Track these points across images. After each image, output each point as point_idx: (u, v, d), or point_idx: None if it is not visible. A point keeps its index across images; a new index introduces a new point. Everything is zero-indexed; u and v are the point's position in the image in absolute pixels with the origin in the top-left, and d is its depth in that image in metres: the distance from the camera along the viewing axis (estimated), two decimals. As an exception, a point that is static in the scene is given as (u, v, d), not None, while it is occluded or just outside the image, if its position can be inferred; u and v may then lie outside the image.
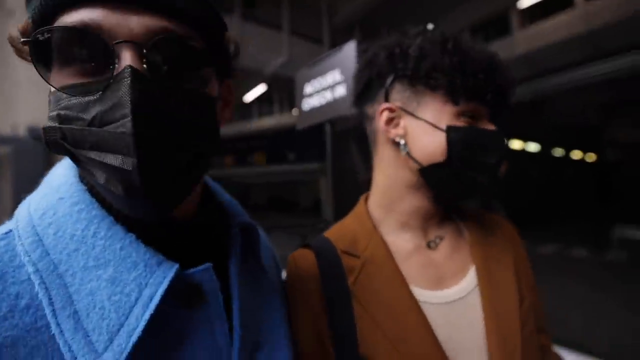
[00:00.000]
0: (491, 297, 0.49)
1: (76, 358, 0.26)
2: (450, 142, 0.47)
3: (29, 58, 0.30)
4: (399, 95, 0.51)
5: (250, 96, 9.32)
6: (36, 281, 0.28)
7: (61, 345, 0.26)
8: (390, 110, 0.51)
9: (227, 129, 11.51)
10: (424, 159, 0.49)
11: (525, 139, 13.62)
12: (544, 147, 14.65)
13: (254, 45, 4.76)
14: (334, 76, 1.68)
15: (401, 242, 0.54)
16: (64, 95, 0.28)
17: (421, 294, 0.50)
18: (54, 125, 0.28)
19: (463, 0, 6.20)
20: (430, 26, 0.52)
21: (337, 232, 0.57)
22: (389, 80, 0.51)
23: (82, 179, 0.34)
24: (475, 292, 0.50)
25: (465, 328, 0.49)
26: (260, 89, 8.35)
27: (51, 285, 0.28)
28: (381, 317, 0.48)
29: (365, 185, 0.61)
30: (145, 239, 0.31)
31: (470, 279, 0.51)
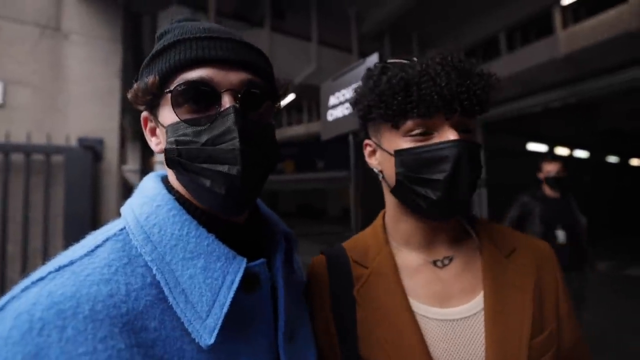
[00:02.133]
0: (497, 322, 0.49)
1: (191, 322, 0.36)
2: (395, 164, 0.51)
3: (141, 105, 0.43)
4: (371, 130, 0.57)
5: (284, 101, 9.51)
6: (153, 267, 0.37)
7: (178, 312, 0.36)
8: (369, 145, 0.58)
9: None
10: (390, 183, 0.54)
11: (573, 145, 12.69)
12: (595, 153, 13.57)
13: (283, 56, 4.87)
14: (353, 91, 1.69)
15: (409, 258, 0.57)
16: (182, 126, 0.39)
17: (422, 308, 0.52)
18: (172, 147, 0.40)
19: (495, 3, 5.96)
20: (376, 64, 0.56)
21: (353, 243, 0.62)
22: (361, 120, 0.58)
23: (170, 190, 0.44)
24: (480, 315, 0.50)
25: (464, 348, 0.49)
26: (289, 98, 8.53)
27: (163, 270, 0.37)
28: (379, 324, 0.51)
29: None
30: (219, 238, 0.41)
31: (478, 301, 0.52)
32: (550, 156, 2.40)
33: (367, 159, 0.59)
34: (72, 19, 2.90)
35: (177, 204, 0.42)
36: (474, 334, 0.50)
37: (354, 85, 1.75)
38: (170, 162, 0.41)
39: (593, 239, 2.49)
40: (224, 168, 0.38)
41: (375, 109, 0.52)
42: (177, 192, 0.44)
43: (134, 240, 0.38)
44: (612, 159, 14.61)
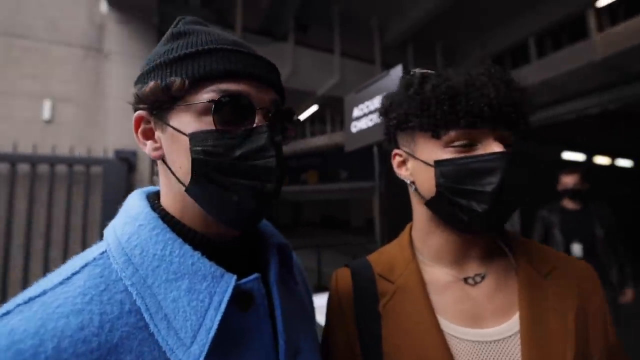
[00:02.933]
0: (535, 347, 0.45)
1: (173, 350, 0.33)
2: (437, 175, 0.49)
3: (145, 105, 0.40)
4: (403, 140, 0.56)
5: (302, 116, 9.69)
6: (133, 292, 0.34)
7: (160, 341, 0.33)
8: (399, 155, 0.56)
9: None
10: (426, 194, 0.52)
11: (614, 154, 11.88)
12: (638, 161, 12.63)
13: (306, 68, 4.97)
14: (381, 100, 1.69)
15: (438, 274, 0.54)
16: (215, 136, 0.38)
17: (451, 327, 0.49)
18: (199, 157, 0.38)
19: (522, 9, 5.80)
20: (413, 71, 0.55)
21: (379, 257, 0.60)
22: (392, 130, 0.57)
23: (154, 208, 0.42)
24: (515, 338, 0.47)
25: None
26: (312, 109, 8.64)
27: (144, 295, 0.35)
28: (405, 342, 0.49)
29: None
30: (208, 255, 0.38)
31: (513, 323, 0.48)
32: (568, 167, 2.30)
33: (397, 169, 0.57)
34: (112, 40, 3.13)
35: (160, 222, 0.39)
36: (508, 358, 0.46)
37: (378, 97, 1.76)
38: (196, 173, 0.38)
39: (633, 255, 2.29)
40: (257, 184, 0.38)
41: (415, 117, 0.50)
42: (163, 209, 0.42)
43: (114, 264, 0.36)
44: (660, 168, 13.52)
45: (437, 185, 0.48)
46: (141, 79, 0.41)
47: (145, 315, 0.34)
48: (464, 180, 0.47)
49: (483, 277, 0.53)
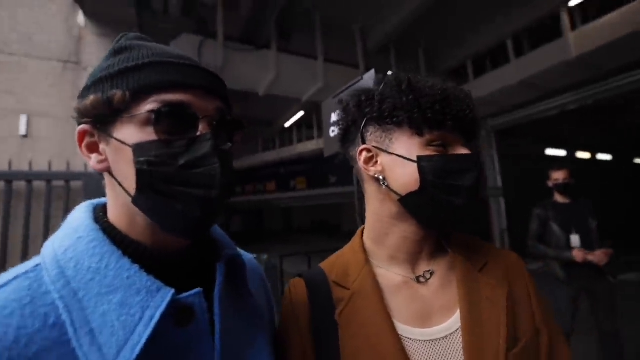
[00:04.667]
0: (474, 338, 0.49)
1: None
2: (421, 170, 0.50)
3: (87, 119, 0.40)
4: (373, 136, 0.56)
5: (288, 123, 9.68)
6: (60, 305, 0.34)
7: (80, 356, 0.33)
8: (367, 150, 0.56)
9: (268, 156, 12.00)
10: (401, 190, 0.52)
11: (595, 148, 12.22)
12: (619, 156, 13.02)
13: (290, 75, 4.99)
14: (348, 94, 1.71)
15: (391, 275, 0.56)
16: (157, 146, 0.38)
17: (405, 329, 0.51)
18: (143, 168, 0.38)
19: (499, 10, 5.97)
20: (389, 73, 0.58)
21: (332, 263, 0.60)
22: (362, 124, 0.57)
23: (97, 220, 0.42)
24: (459, 333, 0.51)
25: None
26: (298, 115, 8.66)
27: (72, 308, 0.34)
28: (363, 348, 0.50)
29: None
30: (148, 269, 0.38)
31: (455, 319, 0.52)
32: (557, 164, 2.47)
33: (363, 165, 0.56)
34: (91, 53, 3.08)
35: (101, 234, 0.39)
36: (453, 352, 0.50)
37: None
38: (141, 183, 0.38)
39: (618, 245, 2.37)
40: (200, 192, 0.38)
41: (404, 112, 0.51)
42: (107, 222, 0.42)
43: (46, 277, 0.36)
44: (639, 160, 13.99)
45: (422, 179, 0.50)
46: (84, 93, 0.41)
47: (70, 330, 0.33)
48: (446, 176, 0.50)
49: (432, 274, 0.56)
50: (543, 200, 2.46)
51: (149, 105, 0.38)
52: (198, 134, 0.40)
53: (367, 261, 0.57)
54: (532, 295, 0.55)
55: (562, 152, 11.44)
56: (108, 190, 0.43)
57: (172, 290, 0.37)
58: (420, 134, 0.51)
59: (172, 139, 0.39)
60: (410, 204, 0.53)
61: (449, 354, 0.50)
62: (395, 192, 0.53)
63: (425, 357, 0.49)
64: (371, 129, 0.56)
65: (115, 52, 0.43)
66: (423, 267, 0.56)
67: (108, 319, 0.34)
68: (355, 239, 0.62)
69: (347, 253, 0.61)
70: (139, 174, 0.38)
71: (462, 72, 7.40)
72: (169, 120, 0.39)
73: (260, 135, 12.05)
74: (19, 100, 2.84)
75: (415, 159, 0.51)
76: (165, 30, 3.88)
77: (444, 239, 0.60)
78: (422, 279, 0.55)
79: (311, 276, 0.58)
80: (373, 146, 0.56)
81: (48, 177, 2.46)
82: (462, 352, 0.49)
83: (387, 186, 0.54)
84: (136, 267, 0.37)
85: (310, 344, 0.53)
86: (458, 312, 0.52)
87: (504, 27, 6.29)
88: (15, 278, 0.36)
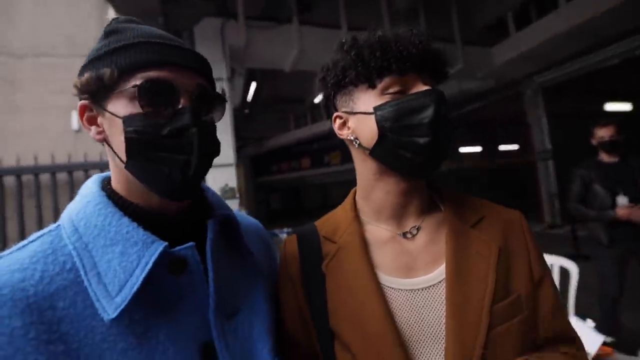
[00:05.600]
0: (457, 290, 0.50)
1: (99, 299, 0.41)
2: (377, 119, 0.52)
3: (85, 94, 0.46)
4: (341, 102, 0.59)
5: (317, 99, 9.56)
6: (74, 254, 0.43)
7: (90, 292, 0.41)
8: (339, 117, 0.59)
9: (301, 132, 12.04)
10: (369, 144, 0.55)
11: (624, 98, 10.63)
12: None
13: (314, 48, 4.89)
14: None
15: (379, 230, 0.59)
16: (142, 117, 0.44)
17: (388, 279, 0.54)
18: (132, 136, 0.44)
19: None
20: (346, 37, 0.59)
21: (325, 220, 0.65)
22: (331, 94, 0.60)
23: (103, 188, 0.50)
24: (442, 284, 0.52)
25: (427, 315, 0.51)
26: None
27: (83, 256, 0.43)
28: (347, 297, 0.53)
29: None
30: (146, 227, 0.45)
31: (440, 271, 0.53)
32: (602, 119, 2.20)
33: (338, 131, 0.60)
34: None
35: (105, 199, 0.46)
36: (435, 302, 0.51)
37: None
38: (130, 150, 0.44)
39: None
40: (181, 158, 0.44)
41: (351, 69, 0.53)
42: (111, 188, 0.49)
43: (64, 234, 0.44)
44: None
45: (379, 128, 0.52)
46: (80, 73, 0.47)
47: (81, 272, 0.41)
48: (402, 118, 0.50)
49: (418, 229, 0.57)
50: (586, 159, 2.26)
51: (134, 82, 0.44)
52: (180, 107, 0.45)
53: (356, 217, 0.60)
54: (532, 252, 0.55)
55: (625, 106, 10.11)
56: (109, 160, 0.49)
57: (165, 243, 0.44)
58: (372, 85, 0.53)
59: (156, 111, 0.44)
60: (379, 155, 0.54)
61: (430, 303, 0.51)
62: (365, 148, 0.55)
63: (406, 305, 0.52)
64: (338, 96, 0.59)
65: (106, 35, 0.48)
66: (410, 223, 0.58)
67: (111, 264, 0.42)
68: (348, 198, 0.65)
69: (338, 211, 0.65)
70: (128, 142, 0.44)
71: (502, 27, 6.71)
72: (151, 95, 0.44)
73: (292, 113, 12.11)
74: (70, 98, 3.13)
75: (372, 110, 0.52)
76: (188, 16, 3.97)
77: (437, 196, 0.61)
78: (408, 235, 0.57)
79: (303, 232, 0.63)
80: (343, 111, 0.58)
81: (101, 166, 2.75)
82: (444, 302, 0.50)
83: (359, 145, 0.56)
84: (134, 224, 0.45)
85: (302, 293, 0.58)
86: (443, 265, 0.53)
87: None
88: (42, 235, 0.45)
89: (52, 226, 0.47)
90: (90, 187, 0.49)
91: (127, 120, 0.44)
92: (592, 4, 5.10)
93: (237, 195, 4.58)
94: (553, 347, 0.53)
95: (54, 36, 3.39)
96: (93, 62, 0.46)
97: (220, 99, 0.52)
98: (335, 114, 0.60)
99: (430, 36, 0.54)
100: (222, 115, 0.52)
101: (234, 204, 4.60)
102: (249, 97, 9.04)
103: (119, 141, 0.45)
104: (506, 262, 0.53)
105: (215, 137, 0.50)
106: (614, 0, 4.76)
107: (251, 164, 15.86)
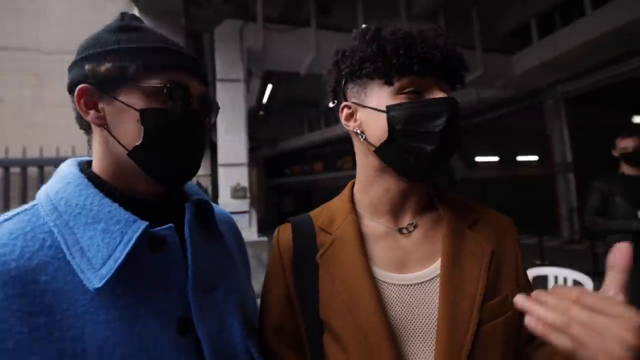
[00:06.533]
0: (451, 286, 0.51)
1: (83, 271, 0.42)
2: (389, 119, 0.51)
3: (94, 80, 0.48)
4: (352, 92, 0.57)
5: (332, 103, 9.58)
6: (55, 231, 0.43)
7: (73, 265, 0.42)
8: (348, 107, 0.58)
9: (314, 136, 12.08)
10: (375, 141, 0.54)
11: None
12: None
13: (331, 52, 4.91)
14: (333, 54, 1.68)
15: (375, 225, 0.58)
16: (162, 114, 0.48)
17: (382, 274, 0.54)
18: (151, 128, 0.48)
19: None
20: (363, 25, 0.57)
21: (321, 211, 0.64)
22: (342, 82, 0.58)
23: (82, 171, 0.51)
24: (436, 281, 0.53)
25: (419, 311, 0.52)
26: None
27: (65, 233, 0.43)
28: (341, 287, 0.54)
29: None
30: (127, 208, 0.47)
31: (435, 267, 0.54)
32: (625, 130, 2.12)
33: (344, 122, 0.59)
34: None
35: (86, 180, 0.48)
36: (429, 297, 0.52)
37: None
38: (146, 140, 0.47)
39: None
40: (189, 150, 0.51)
41: (370, 62, 0.52)
42: (91, 172, 0.51)
43: (42, 212, 0.45)
44: None
45: (390, 129, 0.51)
46: (93, 58, 0.48)
47: (64, 247, 0.42)
48: (414, 122, 0.50)
49: (415, 226, 0.58)
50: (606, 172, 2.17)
51: (157, 80, 0.48)
52: (192, 108, 0.51)
53: (353, 210, 0.60)
54: (519, 258, 0.57)
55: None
56: (97, 145, 0.51)
57: (146, 223, 0.46)
58: (389, 82, 0.51)
59: (174, 109, 0.49)
60: (383, 154, 0.54)
61: (423, 298, 0.52)
62: (371, 144, 0.55)
63: (399, 299, 0.52)
64: (350, 85, 0.57)
65: (122, 29, 0.50)
66: (407, 220, 0.58)
67: (94, 240, 0.43)
68: (346, 190, 0.65)
69: (335, 202, 0.64)
70: (147, 133, 0.47)
71: (525, 34, 6.56)
72: (174, 94, 0.49)
73: (306, 116, 12.18)
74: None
75: (385, 109, 0.51)
76: (209, 18, 4.07)
77: (436, 196, 0.61)
78: (404, 231, 0.57)
79: (298, 221, 0.63)
80: (352, 102, 0.57)
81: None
82: (436, 298, 0.51)
83: (365, 139, 0.55)
84: (116, 204, 0.46)
85: (292, 280, 0.58)
86: (437, 262, 0.54)
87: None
88: (17, 214, 0.45)
89: (27, 205, 0.47)
90: (69, 170, 0.50)
91: (146, 113, 0.47)
92: (621, 12, 4.93)
93: (248, 195, 4.62)
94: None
95: (81, 35, 3.53)
96: (113, 53, 0.48)
97: (216, 105, 0.58)
98: (343, 103, 0.59)
99: (453, 39, 0.53)
100: (215, 118, 0.59)
101: (244, 204, 4.65)
102: (265, 99, 9.15)
103: (128, 129, 0.48)
104: (497, 264, 0.54)
105: (208, 134, 0.57)
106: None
107: (264, 165, 16.01)
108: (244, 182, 4.62)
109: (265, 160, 15.56)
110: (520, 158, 10.53)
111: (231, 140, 4.57)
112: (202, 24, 4.14)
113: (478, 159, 11.14)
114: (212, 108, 0.56)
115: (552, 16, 6.32)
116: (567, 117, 7.84)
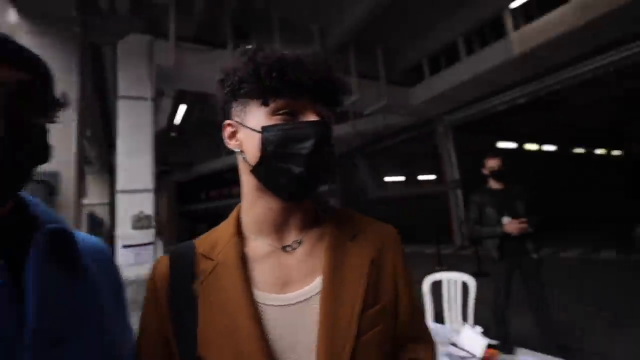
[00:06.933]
0: (331, 302, 0.52)
1: None
2: (263, 140, 0.52)
3: None
4: (235, 110, 0.57)
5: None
6: None
7: None
8: (231, 125, 0.58)
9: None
10: (252, 161, 0.54)
11: (541, 140, 13.22)
12: (563, 146, 14.18)
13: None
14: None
15: (260, 245, 0.57)
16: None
17: (263, 296, 0.53)
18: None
19: (454, 9, 6.29)
20: (248, 46, 0.58)
21: (205, 237, 0.61)
22: (226, 100, 0.58)
23: None
24: (317, 297, 0.53)
25: (300, 329, 0.51)
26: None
27: None
28: (219, 315, 0.52)
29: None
30: None
31: (316, 284, 0.54)
32: (491, 153, 2.67)
33: (227, 140, 0.58)
34: (24, 53, 2.84)
35: None
36: (309, 315, 0.52)
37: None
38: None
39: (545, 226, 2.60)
40: None
41: (247, 83, 0.52)
42: None
43: None
44: (579, 150, 15.35)
45: (262, 150, 0.52)
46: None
47: None
48: (284, 144, 0.51)
49: (300, 243, 0.57)
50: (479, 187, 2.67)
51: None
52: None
53: (237, 233, 0.58)
54: (399, 265, 0.59)
55: (512, 145, 12.29)
56: None
57: None
58: (265, 103, 0.52)
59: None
60: (258, 174, 0.54)
61: (303, 317, 0.52)
62: (249, 164, 0.55)
63: (279, 321, 0.51)
64: (233, 104, 0.57)
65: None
66: (292, 238, 0.57)
67: None
68: (233, 212, 0.63)
69: (222, 226, 0.62)
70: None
71: (419, 70, 7.72)
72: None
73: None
74: None
75: (260, 129, 0.52)
76: (110, 29, 3.67)
77: (322, 211, 0.62)
78: (288, 249, 0.57)
79: (178, 250, 0.60)
80: (235, 121, 0.57)
81: None
82: (317, 315, 0.51)
83: (244, 159, 0.56)
84: None
85: (168, 315, 0.54)
86: (318, 277, 0.54)
87: (455, 26, 6.64)
88: None
89: None
90: None
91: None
92: (488, 58, 6.22)
93: (154, 224, 4.14)
94: (413, 344, 0.60)
95: None
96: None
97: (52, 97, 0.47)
98: (226, 122, 0.58)
99: (331, 62, 0.55)
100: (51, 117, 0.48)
101: (148, 235, 4.14)
102: (178, 119, 8.53)
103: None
104: (377, 273, 0.56)
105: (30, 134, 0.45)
106: (506, 56, 5.88)
107: (176, 190, 14.69)
108: (149, 210, 4.14)
109: (177, 185, 14.32)
110: (421, 177, 11.99)
111: (135, 164, 4.11)
112: (103, 36, 3.71)
113: (387, 178, 12.31)
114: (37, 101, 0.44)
115: (439, 58, 7.60)
116: (454, 141, 9.38)
